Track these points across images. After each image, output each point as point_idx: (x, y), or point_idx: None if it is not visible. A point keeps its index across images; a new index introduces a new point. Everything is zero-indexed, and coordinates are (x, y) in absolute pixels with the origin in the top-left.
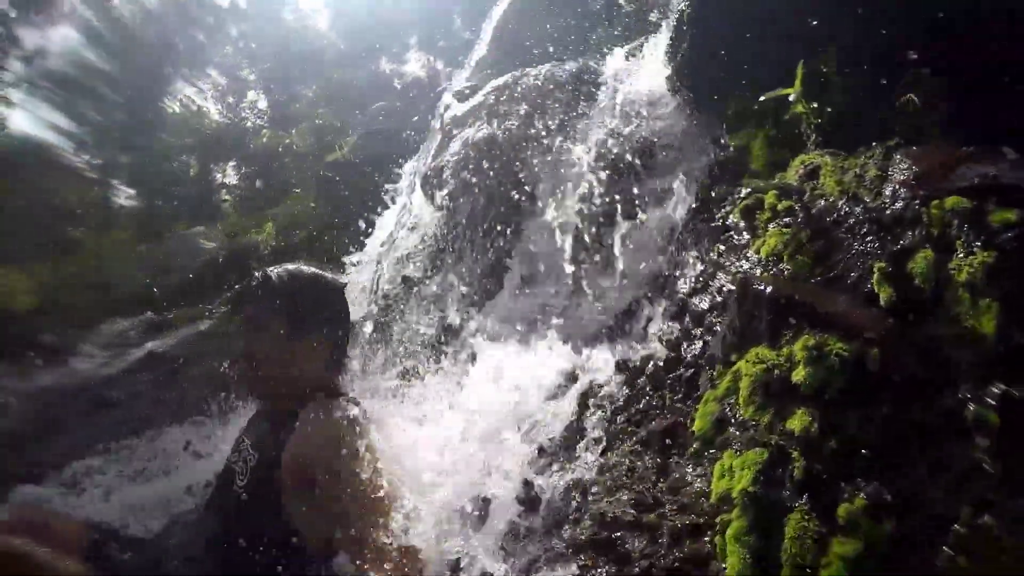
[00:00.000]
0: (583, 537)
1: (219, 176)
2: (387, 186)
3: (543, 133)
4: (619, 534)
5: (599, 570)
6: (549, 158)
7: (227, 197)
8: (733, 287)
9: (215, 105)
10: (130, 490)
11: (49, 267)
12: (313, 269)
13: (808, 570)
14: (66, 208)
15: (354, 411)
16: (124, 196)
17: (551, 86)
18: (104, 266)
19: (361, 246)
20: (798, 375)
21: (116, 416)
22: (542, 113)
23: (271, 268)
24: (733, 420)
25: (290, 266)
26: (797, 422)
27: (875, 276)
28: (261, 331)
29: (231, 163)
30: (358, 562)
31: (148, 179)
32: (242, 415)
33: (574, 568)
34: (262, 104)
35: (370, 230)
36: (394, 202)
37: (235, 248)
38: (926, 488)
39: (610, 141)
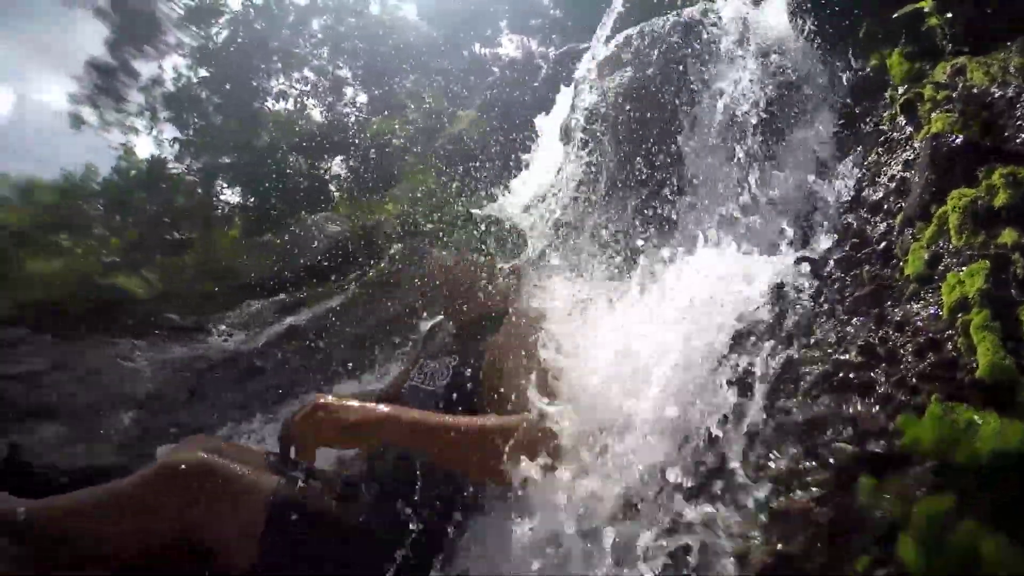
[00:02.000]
0: (811, 392)
1: (328, 169)
2: (522, 154)
3: (677, 77)
4: (851, 375)
5: (845, 409)
6: (689, 100)
7: (336, 189)
8: (906, 174)
9: (315, 103)
10: None
11: (170, 261)
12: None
13: None
14: (179, 210)
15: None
16: (231, 195)
17: (679, 31)
18: (221, 258)
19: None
20: (999, 200)
21: (264, 382)
22: (675, 58)
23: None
24: (947, 252)
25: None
26: (1007, 237)
27: None
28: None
29: (339, 157)
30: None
31: (258, 178)
32: (387, 374)
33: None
34: (362, 98)
35: (504, 193)
36: (527, 166)
37: (360, 229)
38: None
39: (746, 79)
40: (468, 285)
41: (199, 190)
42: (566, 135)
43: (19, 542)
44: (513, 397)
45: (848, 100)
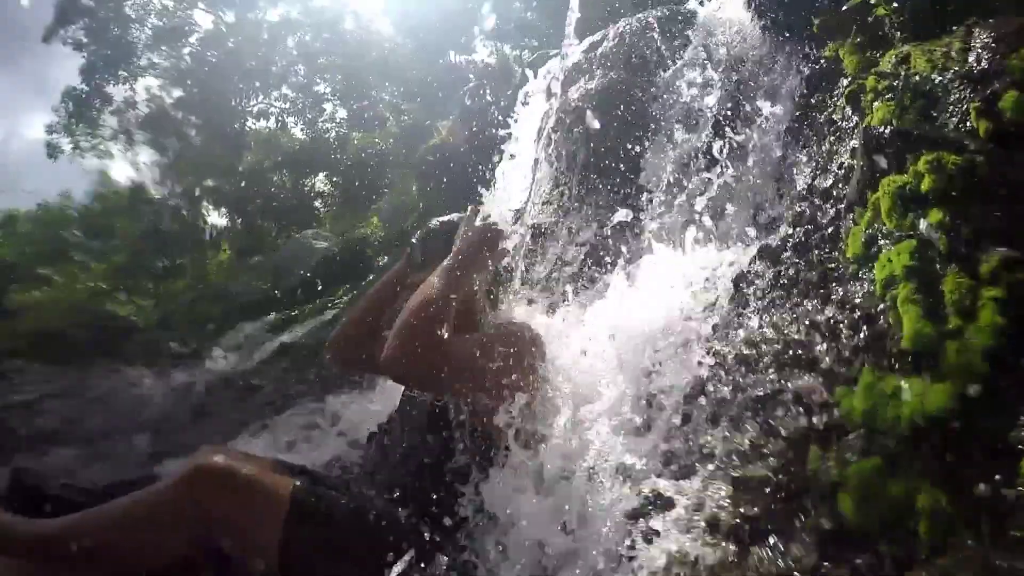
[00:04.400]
0: (765, 369)
1: (312, 185)
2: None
3: (644, 77)
4: (799, 352)
5: (789, 382)
6: (655, 99)
7: (322, 205)
8: (852, 161)
9: (296, 120)
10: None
11: (163, 286)
12: (446, 217)
13: (968, 315)
14: (167, 235)
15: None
16: (218, 216)
17: (642, 35)
18: (212, 282)
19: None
20: (925, 184)
21: (262, 399)
22: (640, 59)
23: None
24: (881, 234)
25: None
26: (933, 216)
27: (972, 115)
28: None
29: (322, 173)
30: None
31: (243, 198)
32: (383, 386)
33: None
34: (341, 114)
35: (483, 200)
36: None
37: (347, 244)
38: None
39: (708, 73)
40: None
41: (184, 212)
42: (539, 143)
43: (41, 560)
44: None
45: (804, 91)
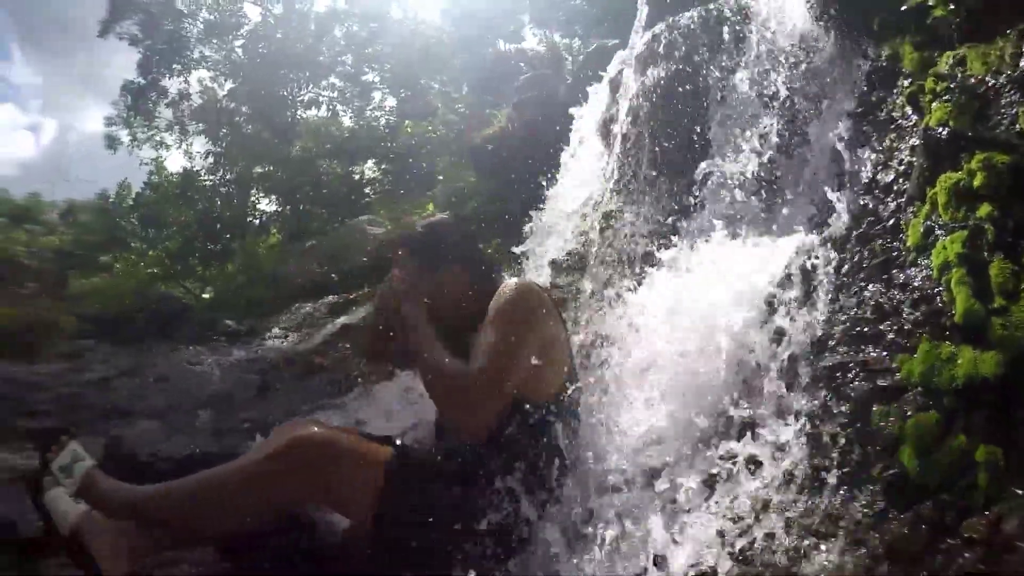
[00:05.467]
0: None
1: (362, 173)
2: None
3: (708, 69)
4: (866, 329)
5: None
6: (716, 94)
7: (372, 193)
8: (912, 158)
9: (345, 109)
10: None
11: (217, 270)
12: (430, 219)
13: (1012, 295)
14: (218, 221)
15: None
16: (268, 203)
17: (706, 26)
18: (265, 265)
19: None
20: (977, 181)
21: (325, 378)
22: (704, 51)
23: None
24: (937, 226)
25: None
26: (983, 210)
27: (1020, 117)
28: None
29: (371, 160)
30: None
31: (293, 186)
32: None
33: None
34: (390, 102)
35: (546, 191)
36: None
37: (403, 229)
38: None
39: (769, 66)
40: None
41: (234, 200)
42: (606, 131)
43: (144, 525)
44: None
45: (865, 89)
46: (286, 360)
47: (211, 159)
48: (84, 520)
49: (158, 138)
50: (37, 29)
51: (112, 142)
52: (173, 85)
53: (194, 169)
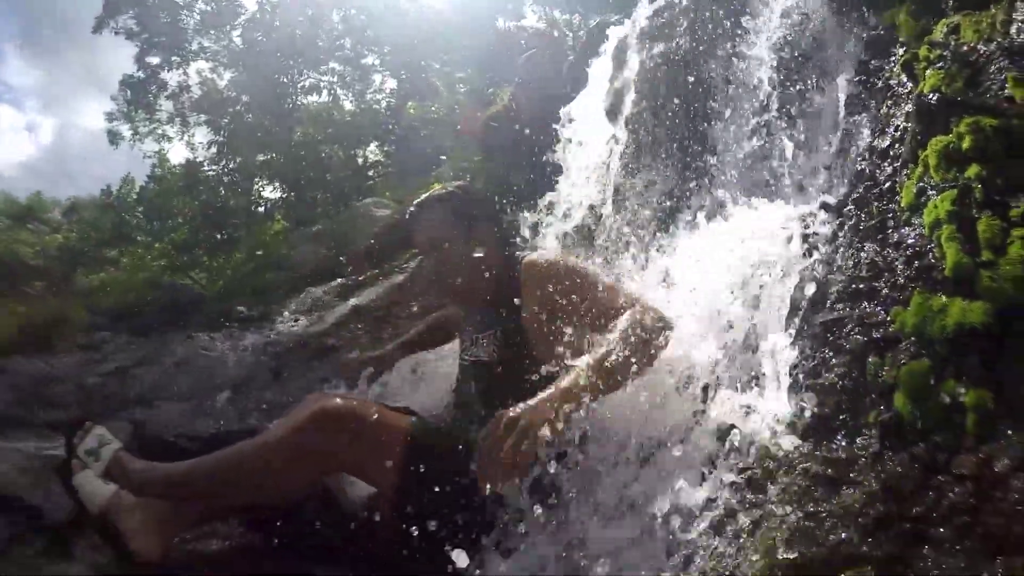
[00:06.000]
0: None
1: (365, 156)
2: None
3: (710, 41)
4: (861, 286)
5: (856, 311)
6: (721, 65)
7: (376, 175)
8: (907, 124)
9: (346, 93)
10: None
11: (224, 258)
12: (452, 184)
13: (999, 249)
14: (223, 210)
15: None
16: (272, 191)
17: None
18: (272, 251)
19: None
20: (966, 143)
21: (339, 359)
22: (703, 26)
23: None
24: (929, 186)
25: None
26: (972, 170)
27: (1009, 83)
28: (433, 248)
29: (373, 143)
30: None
31: (296, 172)
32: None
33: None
34: (391, 84)
35: (551, 167)
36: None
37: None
38: None
39: (775, 40)
40: (466, 264)
41: (239, 189)
42: (612, 107)
43: (174, 501)
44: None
45: (864, 57)
46: (299, 343)
47: (214, 149)
48: (113, 500)
49: (160, 131)
50: (33, 27)
51: (114, 137)
52: (172, 77)
53: (197, 160)
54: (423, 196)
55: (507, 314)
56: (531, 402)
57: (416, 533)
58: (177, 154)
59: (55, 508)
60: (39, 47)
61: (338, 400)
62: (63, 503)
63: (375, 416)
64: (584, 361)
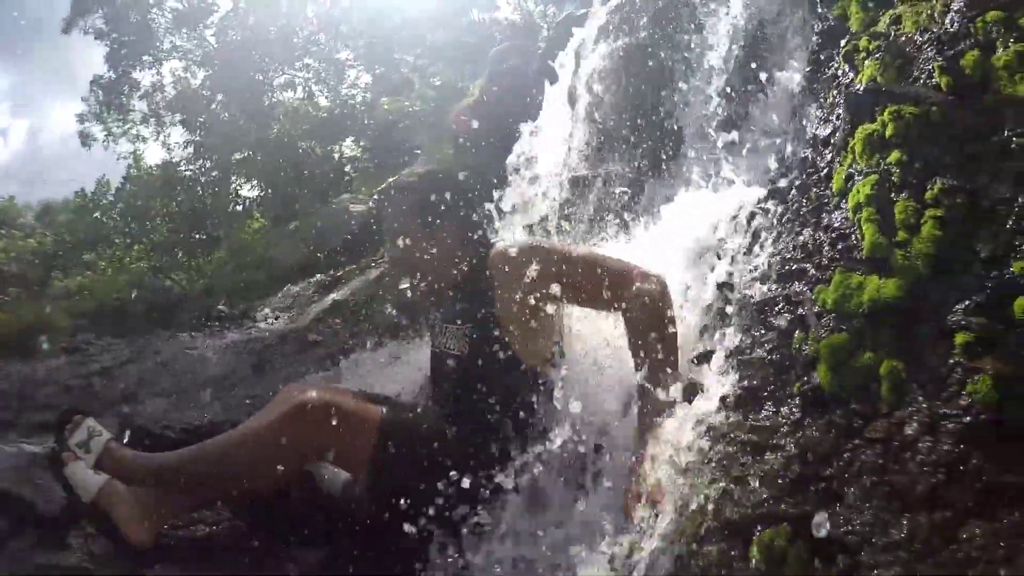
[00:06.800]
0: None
1: (342, 152)
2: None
3: (669, 34)
4: (794, 267)
5: (785, 291)
6: (680, 54)
7: (353, 171)
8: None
9: (321, 89)
10: None
11: (204, 258)
12: (425, 168)
13: (913, 229)
14: (201, 210)
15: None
16: (249, 189)
17: None
18: (252, 249)
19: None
20: (888, 131)
21: (319, 353)
22: (664, 16)
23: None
24: (857, 172)
25: (405, 173)
26: (893, 156)
27: (936, 72)
28: (401, 235)
29: (349, 138)
30: None
31: (274, 169)
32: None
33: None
34: (366, 79)
35: (521, 157)
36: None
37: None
38: (989, 185)
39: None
40: (435, 254)
41: (216, 188)
42: (571, 100)
43: (163, 490)
44: (535, 335)
45: (816, 47)
46: (280, 339)
47: (190, 149)
48: (105, 489)
49: (134, 131)
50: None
51: (86, 139)
52: (145, 77)
53: (173, 160)
54: (387, 183)
55: (479, 305)
56: (646, 441)
57: (391, 514)
58: (152, 154)
59: (47, 501)
60: (7, 48)
61: (314, 393)
62: (55, 496)
63: (348, 405)
64: (647, 378)
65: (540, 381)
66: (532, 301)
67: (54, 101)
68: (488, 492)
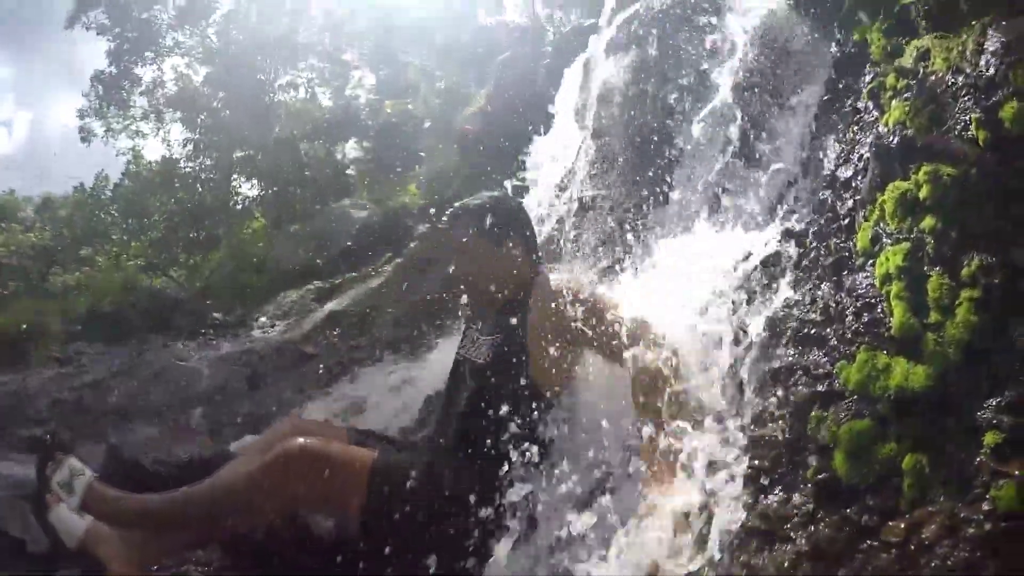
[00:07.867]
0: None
1: (344, 154)
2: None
3: (677, 54)
4: (813, 331)
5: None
6: (689, 75)
7: (355, 173)
8: (869, 155)
9: (325, 90)
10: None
11: (202, 258)
12: (493, 192)
13: (947, 310)
14: (200, 208)
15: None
16: (250, 188)
17: (676, 11)
18: (251, 251)
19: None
20: (923, 192)
21: (315, 366)
22: (673, 36)
23: (461, 201)
24: (885, 233)
25: (479, 196)
26: (927, 223)
27: (972, 124)
28: (466, 251)
29: (352, 139)
30: None
31: (275, 169)
32: (434, 347)
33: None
34: (370, 80)
35: (524, 170)
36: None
37: (386, 212)
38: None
39: (741, 52)
40: (493, 271)
41: (215, 185)
42: (580, 118)
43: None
44: (554, 364)
45: (833, 75)
46: (275, 351)
47: (190, 146)
48: (91, 531)
49: (134, 127)
50: (3, 22)
51: (86, 134)
52: (146, 73)
53: (173, 157)
54: (457, 205)
55: (516, 324)
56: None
57: (384, 556)
58: (152, 151)
59: (35, 540)
60: (11, 42)
61: (303, 441)
62: (41, 536)
63: (338, 455)
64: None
65: (549, 406)
66: (554, 330)
67: (59, 93)
68: (484, 532)
